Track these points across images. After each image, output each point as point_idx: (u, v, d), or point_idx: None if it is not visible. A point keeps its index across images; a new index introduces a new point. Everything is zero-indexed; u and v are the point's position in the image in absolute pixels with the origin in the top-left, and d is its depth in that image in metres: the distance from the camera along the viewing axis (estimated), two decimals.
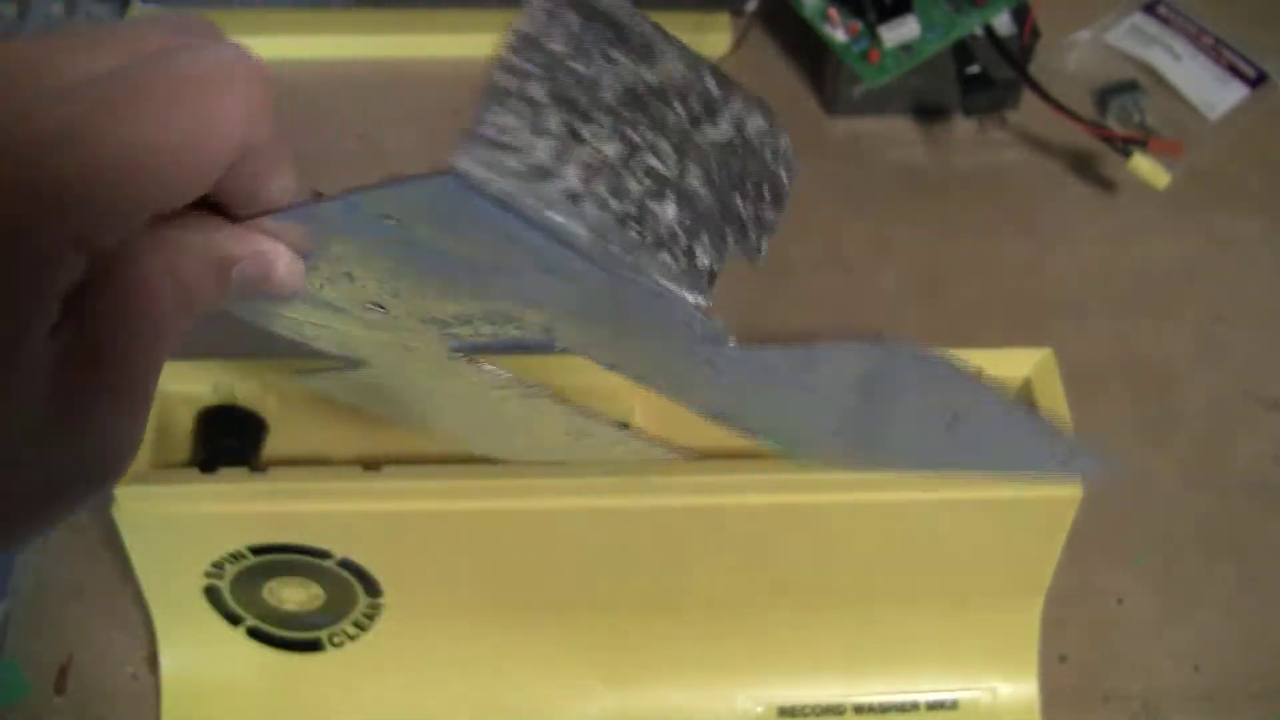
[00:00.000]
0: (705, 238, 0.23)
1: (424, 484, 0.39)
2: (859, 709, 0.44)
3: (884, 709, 0.44)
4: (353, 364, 0.31)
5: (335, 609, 0.42)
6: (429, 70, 0.60)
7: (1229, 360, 0.53)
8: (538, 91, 0.21)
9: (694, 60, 0.24)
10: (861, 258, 0.56)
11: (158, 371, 0.22)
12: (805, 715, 0.44)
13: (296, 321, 0.28)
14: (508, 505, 0.40)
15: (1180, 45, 0.61)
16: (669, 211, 0.22)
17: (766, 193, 0.25)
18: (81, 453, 0.21)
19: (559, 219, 0.21)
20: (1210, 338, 0.54)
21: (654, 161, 0.22)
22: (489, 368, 0.31)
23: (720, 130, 0.24)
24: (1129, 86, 0.60)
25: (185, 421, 0.41)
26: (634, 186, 0.22)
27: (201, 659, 0.43)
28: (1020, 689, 0.44)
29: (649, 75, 0.23)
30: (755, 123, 0.25)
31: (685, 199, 0.23)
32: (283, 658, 0.43)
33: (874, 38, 0.57)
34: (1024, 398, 0.42)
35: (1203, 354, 0.53)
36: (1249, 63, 0.61)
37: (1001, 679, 0.44)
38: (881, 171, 0.59)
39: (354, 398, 0.36)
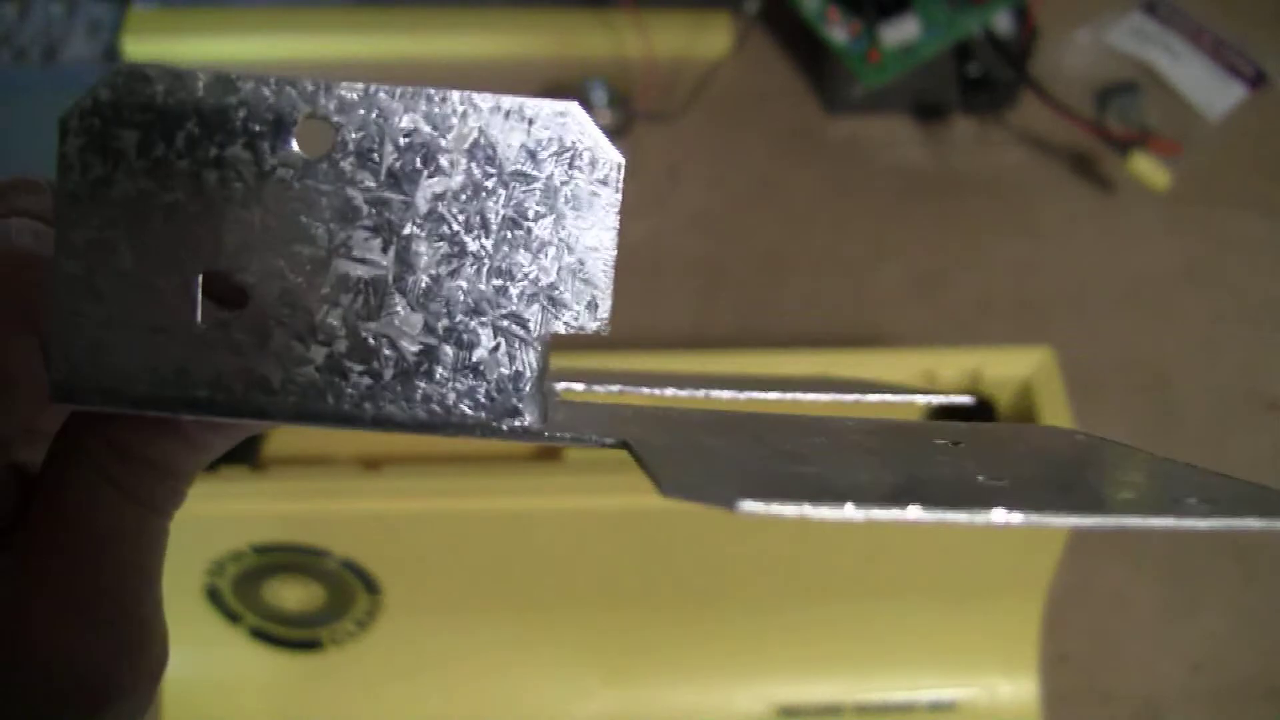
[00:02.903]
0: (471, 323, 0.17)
1: (424, 484, 0.39)
2: (859, 708, 0.44)
3: (884, 708, 0.44)
4: None
5: (335, 608, 0.42)
6: (429, 70, 0.60)
7: (1229, 360, 0.53)
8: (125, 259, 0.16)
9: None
10: (861, 258, 0.56)
11: (135, 578, 0.20)
12: (805, 714, 0.44)
13: None
14: (508, 505, 0.40)
15: (1180, 45, 0.61)
16: (402, 319, 0.17)
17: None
18: (50, 682, 0.19)
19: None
20: (1210, 338, 0.54)
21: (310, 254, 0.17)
22: None
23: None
24: (1128, 86, 0.60)
25: None
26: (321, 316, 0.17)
27: (201, 659, 0.43)
28: (1020, 688, 0.44)
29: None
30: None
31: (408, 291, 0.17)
32: (283, 657, 0.43)
33: (874, 38, 0.57)
34: (1024, 397, 0.42)
35: (1203, 354, 0.53)
36: (1249, 62, 0.61)
37: (1001, 678, 0.44)
38: (881, 171, 0.59)
39: None
